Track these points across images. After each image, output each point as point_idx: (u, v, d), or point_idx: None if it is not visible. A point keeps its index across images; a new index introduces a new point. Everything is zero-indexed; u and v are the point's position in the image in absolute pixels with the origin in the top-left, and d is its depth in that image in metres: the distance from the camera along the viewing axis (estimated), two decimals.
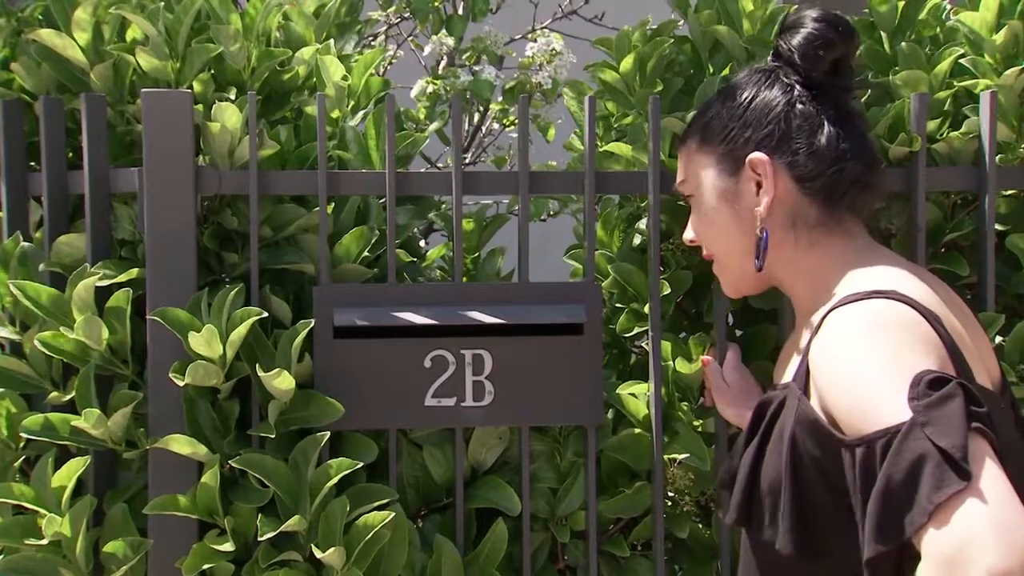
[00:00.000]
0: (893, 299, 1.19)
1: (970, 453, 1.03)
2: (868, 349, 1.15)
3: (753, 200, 1.36)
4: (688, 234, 1.51)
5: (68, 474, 1.60)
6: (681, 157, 1.49)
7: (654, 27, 1.86)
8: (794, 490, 1.20)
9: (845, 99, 1.39)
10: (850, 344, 1.16)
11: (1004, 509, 1.01)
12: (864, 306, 1.20)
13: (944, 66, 1.78)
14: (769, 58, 1.44)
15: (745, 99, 1.38)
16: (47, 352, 1.64)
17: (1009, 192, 1.82)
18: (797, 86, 1.36)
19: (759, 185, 1.35)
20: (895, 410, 1.08)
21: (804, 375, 1.23)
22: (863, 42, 1.88)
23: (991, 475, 1.03)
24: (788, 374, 1.33)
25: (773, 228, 1.35)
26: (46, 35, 1.75)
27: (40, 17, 1.87)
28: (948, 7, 1.91)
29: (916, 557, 1.04)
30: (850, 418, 1.13)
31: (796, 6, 1.42)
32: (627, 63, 1.80)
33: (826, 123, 1.34)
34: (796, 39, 1.36)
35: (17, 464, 1.71)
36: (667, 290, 1.74)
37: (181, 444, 1.59)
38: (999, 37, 1.74)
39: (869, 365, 1.13)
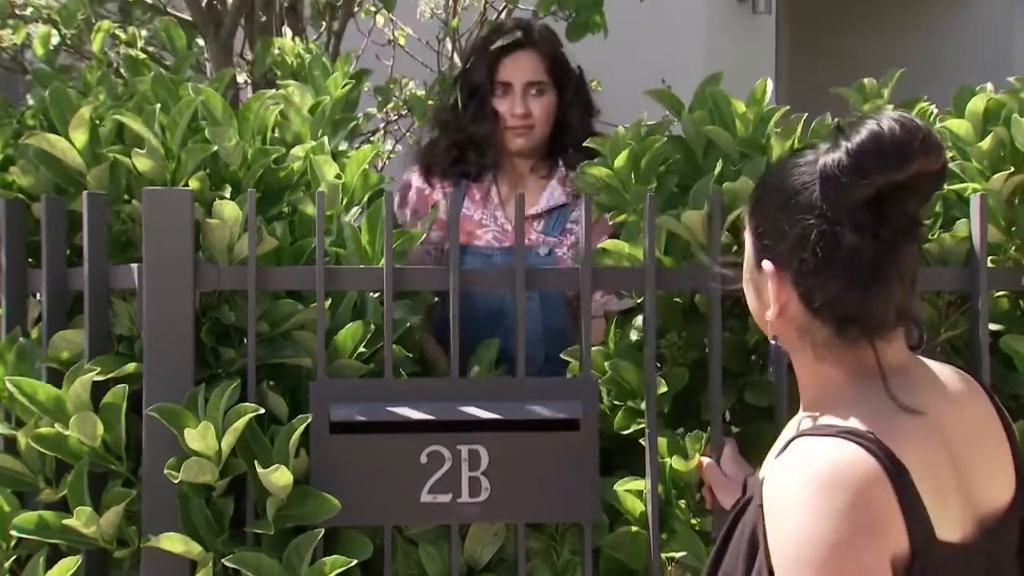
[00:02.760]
0: (853, 441, 1.14)
1: None
2: (805, 529, 1.11)
3: (768, 299, 1.26)
4: None
5: (59, 574, 1.58)
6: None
7: (650, 123, 1.88)
8: None
9: (894, 225, 1.17)
10: (791, 511, 1.13)
11: None
12: (820, 454, 1.15)
13: None
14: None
15: (787, 196, 1.21)
16: (41, 449, 1.63)
17: (1001, 293, 1.83)
18: (833, 208, 1.17)
19: None
20: None
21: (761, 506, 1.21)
22: None
23: None
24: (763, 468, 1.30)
25: (786, 333, 1.27)
26: (45, 139, 1.78)
27: (42, 118, 1.90)
28: (935, 113, 1.94)
29: None
30: None
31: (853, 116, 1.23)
32: (621, 160, 1.82)
33: (850, 264, 1.17)
34: (837, 154, 1.15)
35: (8, 564, 1.69)
36: (664, 388, 1.74)
37: (174, 542, 1.57)
38: (985, 143, 1.78)
39: (801, 552, 1.10)
